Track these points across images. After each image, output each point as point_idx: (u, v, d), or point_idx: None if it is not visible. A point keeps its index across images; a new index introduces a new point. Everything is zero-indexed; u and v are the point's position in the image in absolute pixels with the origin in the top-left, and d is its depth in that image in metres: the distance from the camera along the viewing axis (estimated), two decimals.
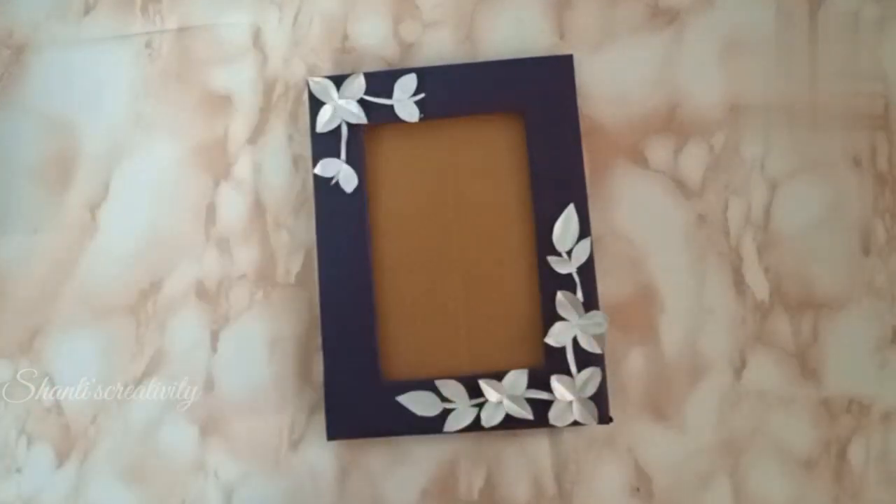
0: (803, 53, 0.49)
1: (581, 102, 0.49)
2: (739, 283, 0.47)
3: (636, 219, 0.48)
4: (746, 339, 0.47)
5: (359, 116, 0.48)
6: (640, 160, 0.49)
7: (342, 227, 0.48)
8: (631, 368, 0.47)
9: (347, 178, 0.48)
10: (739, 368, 0.46)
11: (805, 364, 0.46)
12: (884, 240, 0.47)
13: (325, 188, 0.48)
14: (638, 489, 0.46)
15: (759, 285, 0.47)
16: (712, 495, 0.46)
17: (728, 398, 0.46)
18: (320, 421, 0.47)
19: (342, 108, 0.49)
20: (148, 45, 0.52)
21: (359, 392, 0.46)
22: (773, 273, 0.47)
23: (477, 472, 0.47)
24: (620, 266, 0.48)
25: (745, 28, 0.49)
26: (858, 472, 0.45)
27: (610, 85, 0.49)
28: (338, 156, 0.48)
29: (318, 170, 0.48)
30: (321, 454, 0.47)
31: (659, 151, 0.49)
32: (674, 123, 0.49)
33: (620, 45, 0.50)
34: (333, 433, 0.46)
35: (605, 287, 0.47)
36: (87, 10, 0.52)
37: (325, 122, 0.49)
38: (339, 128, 0.49)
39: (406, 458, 0.47)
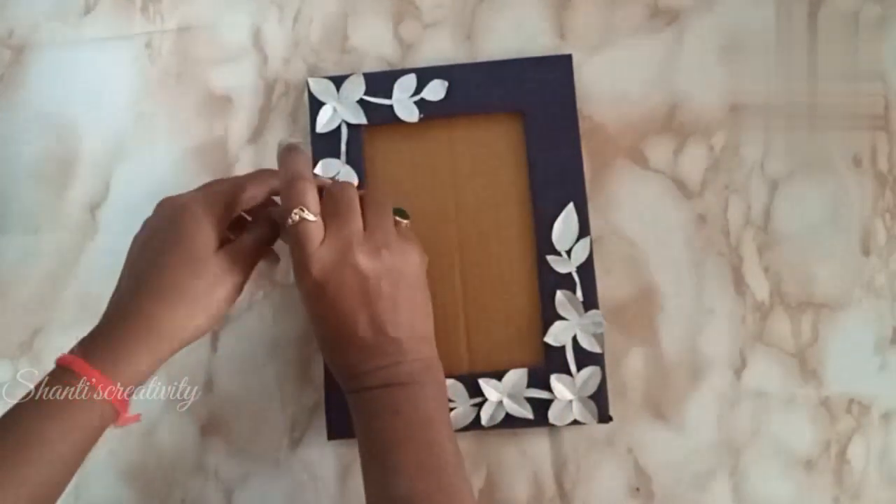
0: (803, 53, 0.49)
1: (581, 102, 0.49)
2: (739, 283, 0.47)
3: (636, 219, 0.48)
4: (746, 339, 0.47)
5: (358, 117, 0.48)
6: (640, 160, 0.49)
7: None
8: (631, 368, 0.47)
9: (347, 179, 0.48)
10: (739, 368, 0.46)
11: (805, 364, 0.46)
12: (884, 240, 0.47)
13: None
14: (638, 489, 0.46)
15: (759, 285, 0.47)
16: (712, 495, 0.46)
17: (728, 398, 0.46)
18: (321, 421, 0.47)
19: (342, 109, 0.49)
20: (148, 45, 0.52)
21: None
22: (773, 273, 0.47)
23: (477, 472, 0.47)
24: (620, 266, 0.48)
25: (745, 28, 0.49)
26: (858, 473, 0.45)
27: (610, 85, 0.49)
28: (338, 156, 0.48)
29: (317, 170, 0.48)
30: (321, 454, 0.47)
31: (659, 151, 0.49)
32: (674, 123, 0.49)
33: (620, 46, 0.50)
34: (334, 433, 0.46)
35: (606, 287, 0.47)
36: (87, 10, 0.53)
37: (324, 122, 0.49)
38: (338, 128, 0.49)
39: None
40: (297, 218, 0.39)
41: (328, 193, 0.41)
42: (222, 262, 0.40)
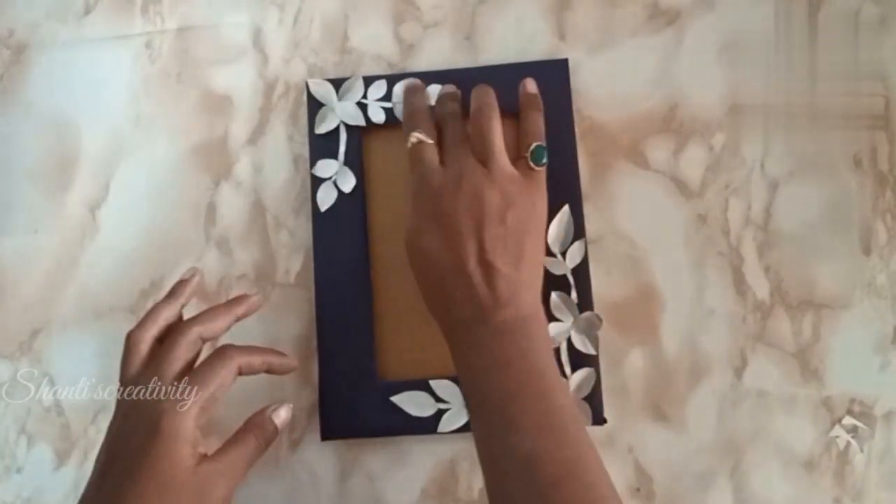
0: (803, 53, 0.49)
1: (581, 103, 0.49)
2: (740, 283, 0.47)
3: (636, 219, 0.48)
4: (747, 339, 0.47)
5: (357, 118, 0.48)
6: (640, 160, 0.48)
7: (339, 229, 0.48)
8: (631, 368, 0.47)
9: (345, 179, 0.48)
10: (740, 368, 0.46)
11: (806, 364, 0.46)
12: (884, 240, 0.47)
13: (322, 189, 0.48)
14: (638, 489, 0.46)
15: (759, 285, 0.47)
16: (713, 495, 0.45)
17: (728, 398, 0.46)
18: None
19: (341, 110, 0.49)
20: (148, 45, 0.52)
21: (353, 392, 0.46)
22: (773, 273, 0.47)
23: (476, 472, 0.46)
24: (620, 266, 0.48)
25: (744, 28, 0.49)
26: (860, 473, 0.45)
27: (610, 85, 0.49)
28: (336, 157, 0.48)
29: (316, 170, 0.48)
30: (321, 454, 0.47)
31: (659, 151, 0.49)
32: (674, 123, 0.49)
33: (620, 46, 0.50)
34: (327, 433, 0.46)
35: (605, 287, 0.47)
36: (87, 10, 0.53)
37: (323, 123, 0.49)
38: (337, 129, 0.49)
39: (406, 458, 0.47)
40: (414, 140, 0.43)
41: (472, 124, 0.44)
42: (202, 482, 0.37)
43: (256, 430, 0.40)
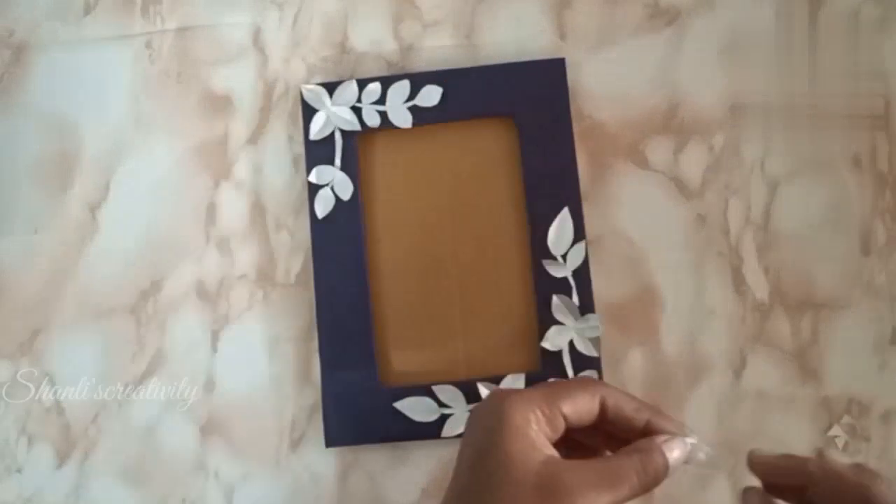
0: (803, 53, 0.49)
1: (581, 102, 0.49)
2: (739, 284, 0.47)
3: (636, 219, 0.48)
4: (746, 340, 0.47)
5: (352, 123, 0.48)
6: (640, 160, 0.48)
7: (337, 234, 0.48)
8: (631, 369, 0.47)
9: (342, 185, 0.48)
10: (739, 368, 0.46)
11: (805, 364, 0.46)
12: (884, 240, 0.47)
13: (319, 196, 0.48)
14: None
15: (759, 285, 0.47)
16: (712, 495, 0.46)
17: (728, 398, 0.46)
18: (320, 421, 0.47)
19: (335, 116, 0.49)
20: (148, 45, 0.52)
21: (356, 399, 0.46)
22: (773, 273, 0.47)
23: None
24: (620, 266, 0.48)
25: (745, 28, 0.49)
26: None
27: (610, 85, 0.49)
28: (332, 163, 0.48)
29: (312, 177, 0.48)
30: (321, 454, 0.47)
31: (659, 151, 0.48)
32: (674, 123, 0.49)
33: (620, 45, 0.50)
34: (332, 440, 0.46)
35: (605, 287, 0.47)
36: (87, 10, 0.53)
37: (318, 129, 0.48)
38: (332, 135, 0.48)
39: (407, 459, 0.47)
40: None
41: None
42: (551, 480, 0.31)
43: (638, 456, 0.33)
